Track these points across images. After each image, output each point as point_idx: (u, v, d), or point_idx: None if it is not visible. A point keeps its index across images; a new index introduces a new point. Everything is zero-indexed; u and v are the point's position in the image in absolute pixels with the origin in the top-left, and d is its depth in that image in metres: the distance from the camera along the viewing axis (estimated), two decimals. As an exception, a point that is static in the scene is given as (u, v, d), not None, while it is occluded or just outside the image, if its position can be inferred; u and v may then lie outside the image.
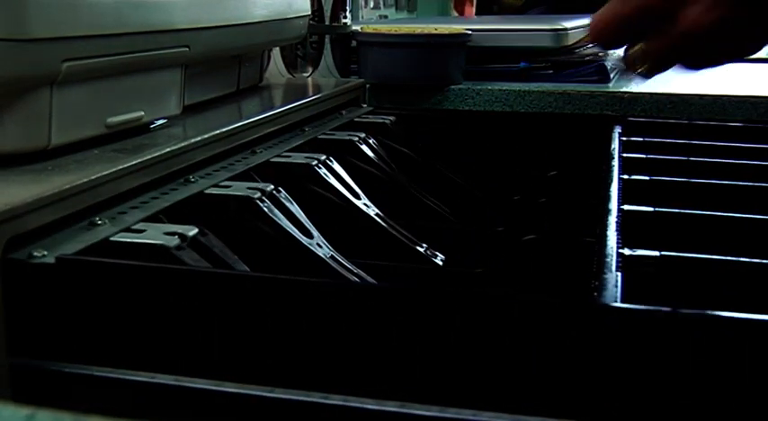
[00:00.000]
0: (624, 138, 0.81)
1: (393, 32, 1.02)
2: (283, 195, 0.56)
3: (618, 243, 0.50)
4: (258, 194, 0.54)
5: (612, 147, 0.76)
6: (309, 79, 1.07)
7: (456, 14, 2.19)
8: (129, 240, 0.44)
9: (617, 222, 0.54)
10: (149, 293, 0.39)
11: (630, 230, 0.53)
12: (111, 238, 0.44)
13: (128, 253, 0.44)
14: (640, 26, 0.47)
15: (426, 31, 1.01)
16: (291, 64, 1.05)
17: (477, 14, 2.29)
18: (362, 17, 1.62)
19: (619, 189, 0.61)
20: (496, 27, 1.11)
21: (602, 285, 0.43)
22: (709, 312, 0.34)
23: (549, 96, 0.97)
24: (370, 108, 0.95)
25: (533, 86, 0.99)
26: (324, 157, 0.65)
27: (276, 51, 1.00)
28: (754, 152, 0.77)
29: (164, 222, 0.48)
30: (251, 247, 0.50)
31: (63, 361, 0.40)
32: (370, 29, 1.06)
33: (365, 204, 0.65)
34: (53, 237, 0.43)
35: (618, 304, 0.42)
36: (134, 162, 0.51)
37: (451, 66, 1.01)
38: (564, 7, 1.63)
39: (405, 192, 0.76)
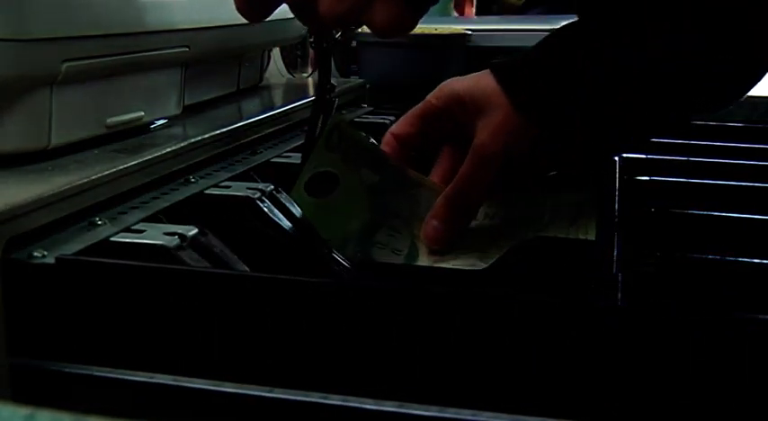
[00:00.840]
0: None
1: (393, 32, 1.01)
2: (283, 195, 0.56)
3: (618, 243, 0.50)
4: (258, 194, 0.54)
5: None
6: (309, 79, 1.07)
7: (456, 14, 2.19)
8: (129, 240, 0.44)
9: (617, 222, 0.54)
10: (149, 293, 0.39)
11: (630, 230, 0.53)
12: (111, 238, 0.44)
13: (128, 253, 0.44)
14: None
15: (426, 32, 1.01)
16: (291, 64, 1.05)
17: (477, 14, 2.29)
18: (363, 17, 1.62)
19: (619, 189, 0.61)
20: (496, 27, 1.11)
21: (602, 285, 0.43)
22: (710, 312, 0.34)
23: (549, 96, 0.96)
24: (370, 108, 0.95)
25: (533, 86, 0.99)
26: (324, 157, 0.65)
27: (276, 51, 1.00)
28: (754, 152, 0.77)
29: (164, 222, 0.48)
30: (251, 247, 0.50)
31: (63, 361, 0.40)
32: (370, 29, 1.06)
33: (365, 204, 0.65)
34: (53, 237, 0.43)
35: (618, 304, 0.42)
36: (134, 162, 0.51)
37: (451, 66, 1.01)
38: (564, 7, 1.62)
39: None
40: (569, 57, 0.49)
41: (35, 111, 0.49)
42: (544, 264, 0.55)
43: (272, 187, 0.56)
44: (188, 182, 0.56)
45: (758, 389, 0.33)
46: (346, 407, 0.35)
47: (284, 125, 0.75)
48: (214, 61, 0.74)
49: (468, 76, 0.55)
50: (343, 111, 0.90)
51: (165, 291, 0.39)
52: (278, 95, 0.90)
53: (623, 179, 0.65)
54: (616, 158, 0.70)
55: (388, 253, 0.54)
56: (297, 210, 0.55)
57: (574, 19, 0.53)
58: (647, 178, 0.66)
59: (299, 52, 1.07)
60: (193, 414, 0.38)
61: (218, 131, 0.62)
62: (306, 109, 0.80)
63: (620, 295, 0.43)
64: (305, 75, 1.08)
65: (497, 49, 1.09)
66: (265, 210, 0.53)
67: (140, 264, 0.41)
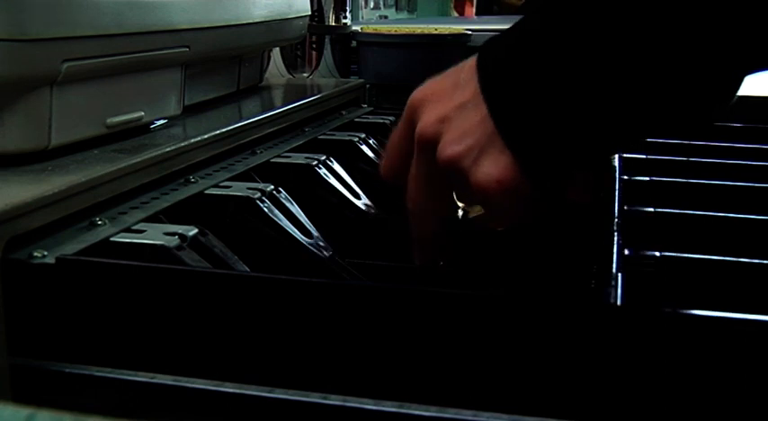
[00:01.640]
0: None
1: (393, 32, 1.02)
2: (283, 195, 0.56)
3: (618, 243, 0.50)
4: (258, 194, 0.54)
5: (612, 147, 0.76)
6: (309, 79, 1.07)
7: (456, 14, 2.19)
8: (129, 240, 0.44)
9: (617, 222, 0.54)
10: (149, 293, 0.39)
11: (630, 230, 0.53)
12: (112, 238, 0.44)
13: (128, 253, 0.44)
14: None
15: (426, 32, 1.01)
16: (291, 64, 1.05)
17: (477, 14, 2.29)
18: (362, 17, 1.63)
19: (619, 189, 0.61)
20: (496, 27, 1.11)
21: (602, 285, 0.43)
22: (710, 312, 0.34)
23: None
24: (370, 108, 0.95)
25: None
26: (324, 158, 0.65)
27: (276, 51, 1.00)
28: (754, 152, 0.77)
29: (164, 222, 0.48)
30: (251, 247, 0.50)
31: (63, 361, 0.40)
32: (370, 29, 1.06)
33: (365, 204, 0.65)
34: (53, 237, 0.43)
35: (618, 304, 0.42)
36: (134, 162, 0.51)
37: (451, 66, 1.01)
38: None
39: (404, 192, 0.75)
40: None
41: (35, 111, 0.49)
42: (544, 264, 0.55)
43: (272, 187, 0.56)
44: (188, 182, 0.56)
45: (758, 389, 0.33)
46: (346, 407, 0.35)
47: (284, 125, 0.75)
48: (214, 61, 0.74)
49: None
50: (343, 112, 0.90)
51: (165, 292, 0.39)
52: (278, 95, 0.90)
53: (623, 179, 0.65)
54: (616, 158, 0.70)
55: None
56: (297, 210, 0.55)
57: None
58: (647, 178, 0.66)
59: (299, 52, 1.07)
60: (194, 414, 0.38)
61: (217, 131, 0.62)
62: (306, 109, 0.80)
63: (620, 295, 0.43)
64: (305, 75, 1.08)
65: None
66: (265, 210, 0.53)
67: (140, 264, 0.41)
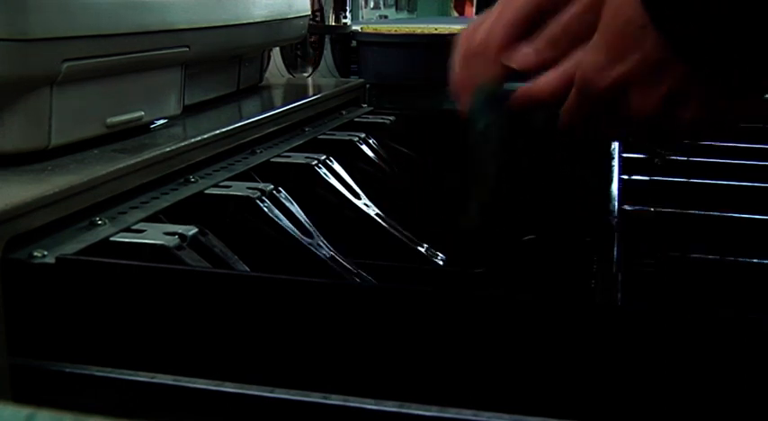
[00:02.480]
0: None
1: (393, 32, 1.02)
2: (283, 195, 0.56)
3: (618, 243, 0.50)
4: (258, 194, 0.54)
5: (612, 147, 0.76)
6: (309, 79, 1.07)
7: (456, 14, 2.19)
8: (129, 240, 0.44)
9: (617, 222, 0.54)
10: (149, 293, 0.39)
11: (630, 230, 0.53)
12: (111, 238, 0.44)
13: (128, 253, 0.44)
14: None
15: (426, 31, 1.01)
16: (291, 64, 1.05)
17: (477, 14, 2.29)
18: (362, 17, 1.63)
19: (619, 189, 0.61)
20: (496, 27, 1.11)
21: (602, 285, 0.43)
22: (709, 312, 0.34)
23: (549, 96, 0.96)
24: (370, 108, 0.95)
25: (533, 86, 0.99)
26: (324, 157, 0.65)
27: (276, 51, 1.00)
28: (754, 152, 0.77)
29: (164, 222, 0.48)
30: (251, 247, 0.50)
31: (63, 361, 0.40)
32: (370, 29, 1.06)
33: (365, 204, 0.65)
34: (53, 237, 0.43)
35: (618, 304, 0.42)
36: (134, 162, 0.51)
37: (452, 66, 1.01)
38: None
39: (405, 192, 0.76)
40: None
41: (35, 111, 0.49)
42: (544, 264, 0.55)
43: (272, 187, 0.56)
44: (188, 182, 0.56)
45: (758, 389, 0.33)
46: (347, 407, 0.35)
47: (284, 125, 0.75)
48: (214, 61, 0.74)
49: None
50: (343, 112, 0.90)
51: (165, 291, 0.39)
52: (278, 95, 0.90)
53: (623, 179, 0.65)
54: (616, 158, 0.70)
55: None
56: (297, 210, 0.55)
57: None
58: (647, 178, 0.66)
59: (299, 52, 1.07)
60: (194, 414, 0.38)
61: (217, 131, 0.62)
62: (306, 109, 0.80)
63: (620, 295, 0.43)
64: (305, 75, 1.08)
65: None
66: (265, 209, 0.53)
67: (140, 263, 0.41)
